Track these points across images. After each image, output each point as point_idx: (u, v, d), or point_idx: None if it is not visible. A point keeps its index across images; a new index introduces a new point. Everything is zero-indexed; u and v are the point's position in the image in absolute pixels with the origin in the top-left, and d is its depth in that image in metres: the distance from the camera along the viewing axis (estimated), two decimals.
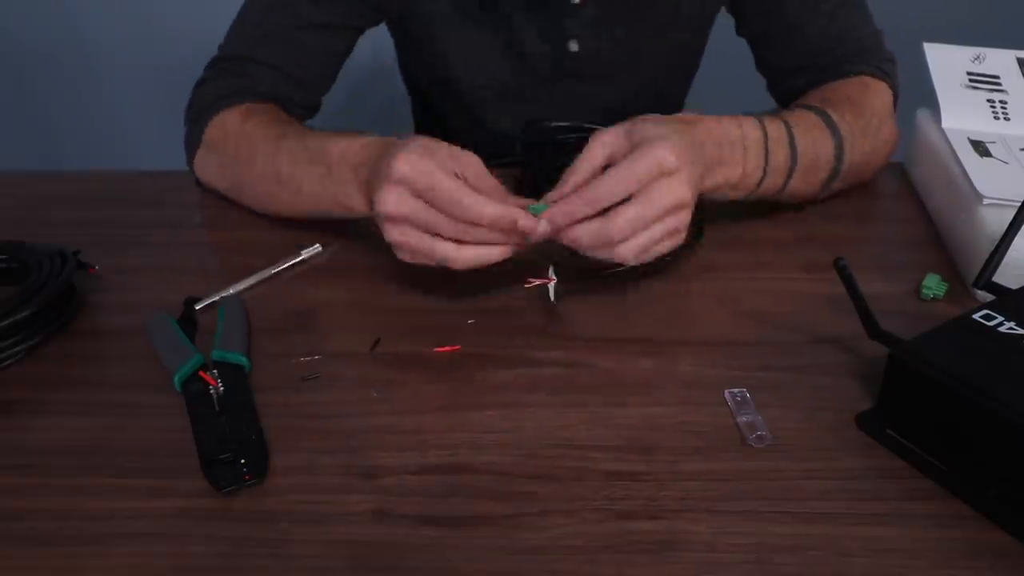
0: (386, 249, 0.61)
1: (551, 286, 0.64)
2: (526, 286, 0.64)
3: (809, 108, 0.74)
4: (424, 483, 0.51)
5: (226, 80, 0.83)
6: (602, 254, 0.59)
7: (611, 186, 0.58)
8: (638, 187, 0.58)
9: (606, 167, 0.60)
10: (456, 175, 0.59)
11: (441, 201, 0.57)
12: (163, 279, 0.71)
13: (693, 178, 0.60)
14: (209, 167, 0.81)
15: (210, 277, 0.70)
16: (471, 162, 0.61)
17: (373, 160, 0.63)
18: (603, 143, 0.61)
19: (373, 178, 0.62)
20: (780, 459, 0.53)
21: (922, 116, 0.85)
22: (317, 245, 0.74)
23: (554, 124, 0.80)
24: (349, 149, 0.67)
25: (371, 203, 0.61)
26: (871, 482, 0.51)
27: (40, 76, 1.91)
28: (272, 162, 0.73)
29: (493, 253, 0.60)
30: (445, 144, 0.61)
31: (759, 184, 0.69)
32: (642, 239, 0.59)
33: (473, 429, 0.55)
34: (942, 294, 0.67)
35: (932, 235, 0.77)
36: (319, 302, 0.68)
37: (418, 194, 0.58)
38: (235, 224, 0.80)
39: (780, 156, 0.69)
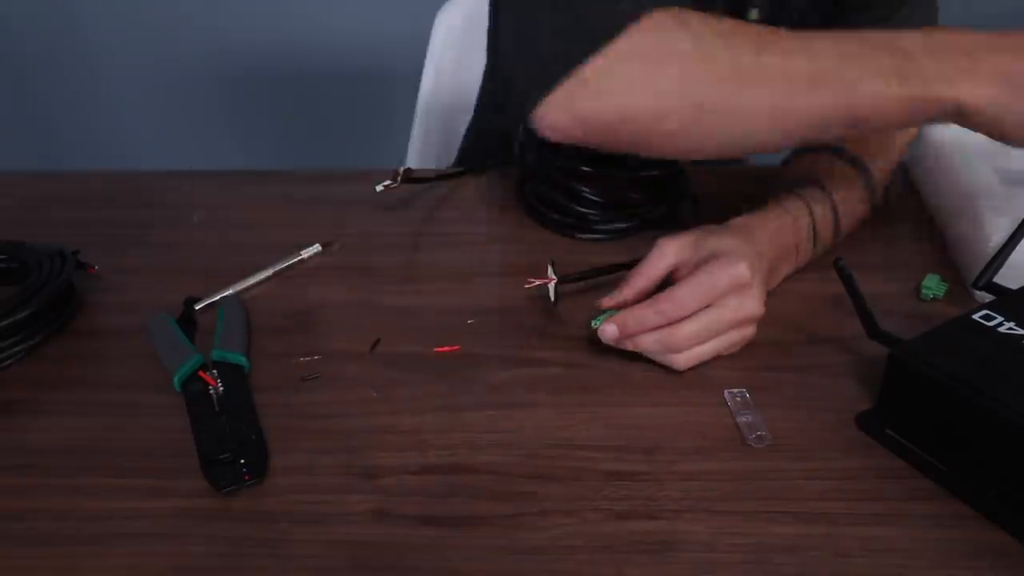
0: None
1: (551, 286, 0.64)
2: (526, 286, 0.64)
3: (842, 157, 0.73)
4: (424, 483, 0.51)
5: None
6: (660, 358, 0.59)
7: (686, 298, 0.57)
8: (714, 301, 0.58)
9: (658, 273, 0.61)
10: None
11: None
12: (163, 279, 0.71)
13: (763, 291, 0.61)
14: (638, 81, 0.58)
15: (210, 277, 0.70)
16: None
17: None
18: (666, 253, 0.61)
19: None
20: (780, 459, 0.53)
21: None
22: (317, 245, 0.74)
23: None
24: None
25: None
26: (871, 482, 0.51)
27: (40, 76, 1.91)
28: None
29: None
30: None
31: (805, 263, 0.70)
32: (706, 348, 0.59)
33: (473, 429, 0.55)
34: (942, 294, 0.67)
35: (932, 235, 0.77)
36: (319, 302, 0.68)
37: None
38: (235, 224, 0.80)
39: (827, 234, 0.70)
